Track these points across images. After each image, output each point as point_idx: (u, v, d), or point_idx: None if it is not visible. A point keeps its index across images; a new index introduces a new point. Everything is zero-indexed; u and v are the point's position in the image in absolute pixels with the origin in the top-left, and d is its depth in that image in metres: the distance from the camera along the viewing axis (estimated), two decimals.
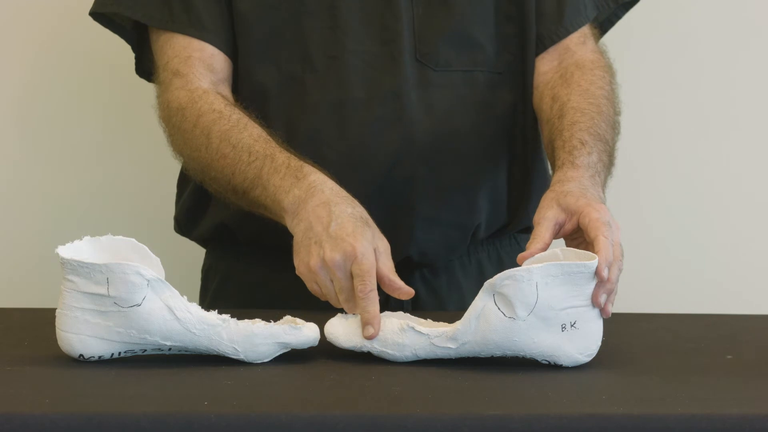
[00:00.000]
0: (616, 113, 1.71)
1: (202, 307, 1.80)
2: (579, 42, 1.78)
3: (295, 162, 1.56)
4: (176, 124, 1.68)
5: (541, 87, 1.76)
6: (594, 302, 1.38)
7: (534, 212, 1.69)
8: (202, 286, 1.87)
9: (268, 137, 1.61)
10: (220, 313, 1.38)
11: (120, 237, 1.39)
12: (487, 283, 1.37)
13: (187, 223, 1.82)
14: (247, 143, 1.60)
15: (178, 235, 1.88)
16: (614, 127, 1.68)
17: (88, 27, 1.87)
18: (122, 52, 2.07)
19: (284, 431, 1.15)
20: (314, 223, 1.48)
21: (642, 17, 2.05)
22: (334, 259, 1.44)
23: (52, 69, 2.27)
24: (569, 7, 1.77)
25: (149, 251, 1.39)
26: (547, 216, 1.47)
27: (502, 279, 1.36)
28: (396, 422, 1.16)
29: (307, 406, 1.21)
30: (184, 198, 1.82)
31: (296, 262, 1.48)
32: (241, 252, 1.79)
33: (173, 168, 1.85)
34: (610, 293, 1.39)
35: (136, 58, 1.82)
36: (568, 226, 1.47)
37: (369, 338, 1.40)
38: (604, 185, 1.59)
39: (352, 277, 1.44)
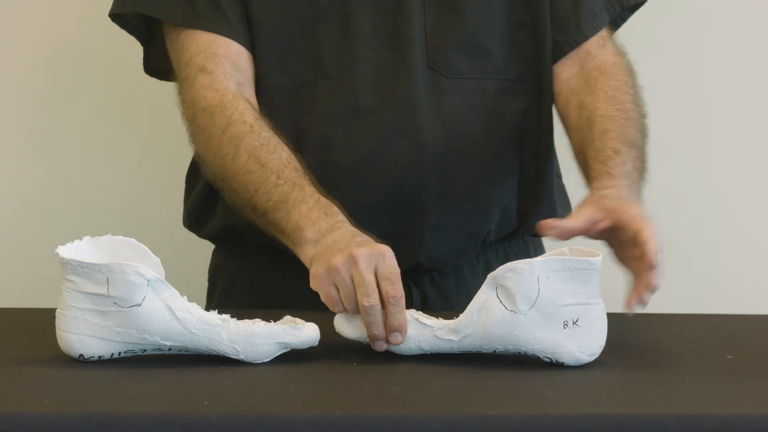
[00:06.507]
0: (643, 116, 1.70)
1: (210, 306, 1.81)
2: (599, 45, 1.77)
3: (324, 200, 1.55)
4: (202, 126, 1.67)
5: (564, 93, 1.75)
6: (637, 296, 1.39)
7: (544, 217, 1.70)
8: (210, 284, 1.87)
9: (297, 165, 1.60)
10: (220, 313, 1.38)
11: (120, 237, 1.39)
12: (489, 276, 1.37)
13: (197, 220, 1.82)
14: (276, 166, 1.59)
15: (185, 235, 1.88)
16: (643, 131, 1.68)
17: (88, 27, 1.88)
18: (123, 52, 2.07)
19: (284, 431, 1.15)
20: (338, 239, 1.47)
21: (643, 19, 2.04)
22: (360, 253, 1.41)
23: (52, 68, 2.27)
24: (585, 11, 1.76)
25: (149, 251, 1.39)
26: (582, 212, 1.48)
27: (504, 271, 1.36)
28: (396, 422, 1.16)
29: (307, 406, 1.21)
30: (193, 197, 1.81)
31: (313, 269, 1.45)
32: (249, 253, 1.78)
33: (175, 167, 1.85)
34: (654, 288, 1.41)
35: (144, 56, 1.81)
36: (604, 224, 1.47)
37: (395, 344, 1.40)
38: (640, 192, 1.59)
39: (376, 276, 1.41)
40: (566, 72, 1.76)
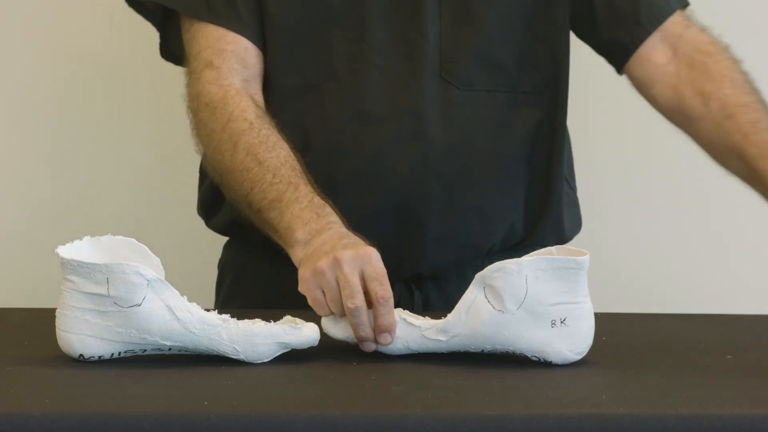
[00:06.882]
0: (760, 92, 1.70)
1: (217, 300, 1.81)
2: (684, 26, 1.74)
3: (318, 199, 1.54)
4: (203, 120, 1.67)
5: (665, 81, 1.73)
6: None
7: (551, 230, 1.67)
8: (218, 279, 1.88)
9: (294, 163, 1.59)
10: (220, 313, 1.38)
11: (120, 237, 1.39)
12: (477, 276, 1.37)
13: (206, 212, 1.82)
14: (273, 164, 1.58)
15: (188, 234, 1.88)
16: None
17: (92, 25, 1.88)
18: (124, 51, 2.07)
19: (284, 431, 1.15)
20: (326, 241, 1.47)
21: None
22: (345, 255, 1.41)
23: (52, 68, 2.27)
24: (644, 6, 1.73)
25: (149, 251, 1.39)
26: None
27: (492, 271, 1.36)
28: (396, 422, 1.16)
29: (307, 406, 1.21)
30: (204, 189, 1.81)
31: (300, 272, 1.45)
32: (253, 249, 1.78)
33: (178, 165, 1.85)
34: None
35: (161, 40, 1.80)
36: None
37: (385, 345, 1.39)
38: None
39: (361, 278, 1.40)
40: (658, 57, 1.74)
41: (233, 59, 1.69)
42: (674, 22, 1.74)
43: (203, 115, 1.67)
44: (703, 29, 1.75)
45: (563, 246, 1.41)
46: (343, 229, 1.51)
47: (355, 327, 1.39)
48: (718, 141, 1.68)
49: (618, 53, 1.76)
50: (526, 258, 1.36)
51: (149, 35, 1.83)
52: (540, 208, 1.77)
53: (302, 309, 1.46)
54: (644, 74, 1.75)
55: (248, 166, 1.60)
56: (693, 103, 1.70)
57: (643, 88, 1.77)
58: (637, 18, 1.74)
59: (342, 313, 1.41)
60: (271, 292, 1.75)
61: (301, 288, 1.44)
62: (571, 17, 1.77)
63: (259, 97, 1.70)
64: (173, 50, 1.79)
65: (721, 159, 1.70)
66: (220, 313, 1.38)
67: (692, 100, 1.70)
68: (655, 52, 1.74)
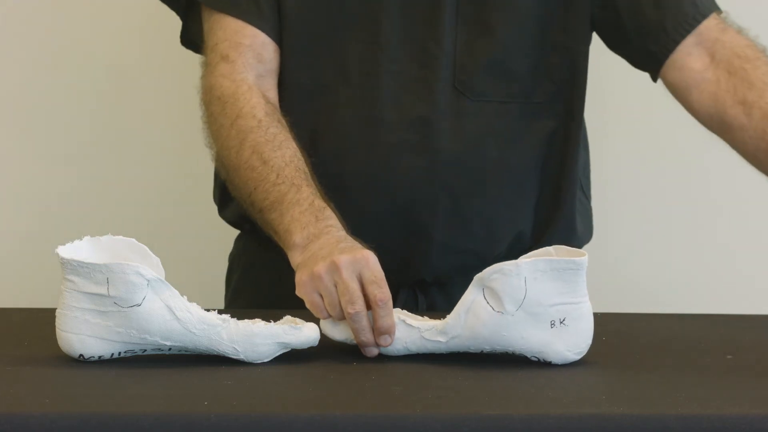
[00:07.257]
0: None
1: (226, 294, 1.80)
2: (720, 29, 1.70)
3: (319, 202, 1.54)
4: (214, 113, 1.67)
5: (705, 86, 1.69)
6: None
7: (560, 238, 1.67)
8: (228, 272, 1.88)
9: (300, 164, 1.59)
10: (220, 313, 1.38)
11: (120, 237, 1.39)
12: (476, 277, 1.37)
13: (220, 201, 1.82)
14: (278, 164, 1.58)
15: (197, 229, 1.88)
16: None
17: (87, 26, 1.87)
18: (124, 51, 2.06)
19: (284, 431, 1.15)
20: (323, 246, 1.47)
21: None
22: (342, 260, 1.41)
23: (53, 67, 2.27)
24: (670, 14, 1.70)
25: (149, 251, 1.39)
26: None
27: (490, 273, 1.36)
28: (396, 422, 1.16)
29: (307, 406, 1.21)
30: (219, 181, 1.81)
31: (298, 276, 1.45)
32: (263, 245, 1.78)
33: (178, 164, 1.85)
34: None
35: (183, 27, 1.81)
36: None
37: (384, 346, 1.39)
38: None
39: (359, 282, 1.40)
40: (694, 63, 1.70)
41: (249, 54, 1.69)
42: (709, 26, 1.70)
43: (214, 109, 1.67)
44: (740, 31, 1.71)
45: (561, 246, 1.41)
46: (342, 233, 1.50)
47: (356, 332, 1.39)
48: (762, 150, 1.65)
49: (649, 63, 1.73)
50: (524, 259, 1.36)
51: (152, 30, 1.83)
52: (550, 217, 1.76)
53: (301, 309, 1.46)
54: (680, 80, 1.71)
55: (253, 164, 1.60)
56: (734, 112, 1.67)
57: (679, 93, 1.73)
58: (664, 26, 1.70)
59: (340, 316, 1.41)
60: (279, 287, 1.75)
61: (299, 292, 1.44)
62: (600, 31, 1.76)
63: (273, 94, 1.69)
64: (193, 38, 1.79)
65: (763, 167, 1.67)
66: (220, 313, 1.38)
67: (733, 109, 1.67)
68: (690, 57, 1.70)
